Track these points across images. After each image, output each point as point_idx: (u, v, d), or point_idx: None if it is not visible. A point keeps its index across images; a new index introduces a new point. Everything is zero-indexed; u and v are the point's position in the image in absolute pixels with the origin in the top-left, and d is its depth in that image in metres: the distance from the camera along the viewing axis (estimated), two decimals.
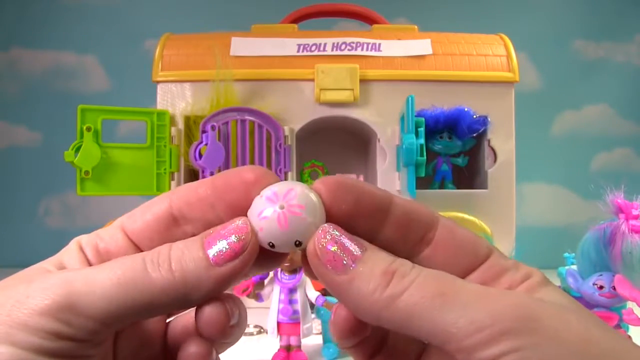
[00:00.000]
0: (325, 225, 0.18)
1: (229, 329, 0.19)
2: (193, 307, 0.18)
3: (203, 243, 0.18)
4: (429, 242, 0.19)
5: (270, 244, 0.18)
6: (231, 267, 0.17)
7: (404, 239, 0.19)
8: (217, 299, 0.18)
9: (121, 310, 0.17)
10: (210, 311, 0.18)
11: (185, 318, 0.22)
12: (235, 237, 0.18)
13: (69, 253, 0.19)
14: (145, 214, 0.19)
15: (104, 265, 0.18)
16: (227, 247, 0.17)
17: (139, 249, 0.19)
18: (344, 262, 0.17)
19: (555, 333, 0.15)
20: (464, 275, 0.18)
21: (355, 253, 0.17)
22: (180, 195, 0.19)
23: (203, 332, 0.19)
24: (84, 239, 0.20)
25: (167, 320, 0.22)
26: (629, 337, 0.38)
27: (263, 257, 0.19)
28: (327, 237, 0.18)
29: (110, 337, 0.18)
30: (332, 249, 0.17)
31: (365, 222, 0.18)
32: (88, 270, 0.18)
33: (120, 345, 0.20)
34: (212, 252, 0.17)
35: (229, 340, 0.20)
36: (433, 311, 0.16)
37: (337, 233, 0.18)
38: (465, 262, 0.19)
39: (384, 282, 0.17)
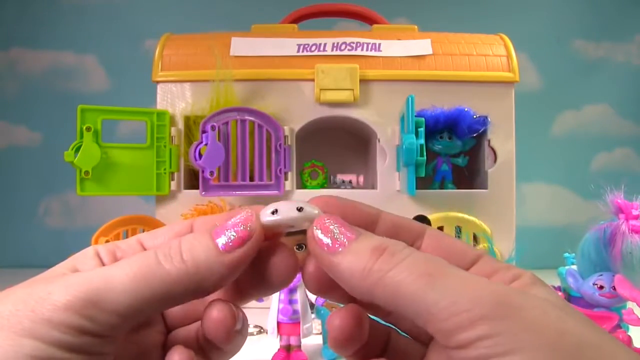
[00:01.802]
0: (324, 214, 0.19)
1: (234, 333, 0.20)
2: (206, 295, 0.19)
3: (211, 234, 0.19)
4: (417, 248, 0.20)
5: (274, 210, 0.19)
6: (240, 252, 0.19)
7: None
8: (225, 302, 0.20)
9: (139, 303, 0.18)
10: (219, 312, 0.19)
11: (185, 331, 0.23)
12: (242, 226, 0.19)
13: (84, 258, 0.20)
14: (167, 233, 0.21)
15: (118, 263, 0.19)
16: (234, 235, 0.19)
17: None
18: (339, 242, 0.18)
19: (532, 323, 0.15)
20: None
21: (349, 235, 0.18)
22: (200, 224, 0.21)
23: (209, 333, 0.20)
24: (100, 246, 0.21)
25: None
26: (629, 337, 0.38)
27: (269, 268, 0.20)
28: (325, 222, 0.19)
29: (123, 335, 0.19)
30: (328, 231, 0.19)
31: None
32: (104, 269, 0.19)
33: (121, 355, 0.20)
34: (221, 241, 0.19)
35: (231, 346, 0.21)
36: (418, 290, 0.16)
37: (333, 221, 0.19)
38: (456, 265, 0.19)
39: (373, 257, 0.17)
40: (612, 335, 0.17)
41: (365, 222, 0.20)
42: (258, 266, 0.20)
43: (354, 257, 0.18)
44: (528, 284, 0.18)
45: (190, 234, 0.20)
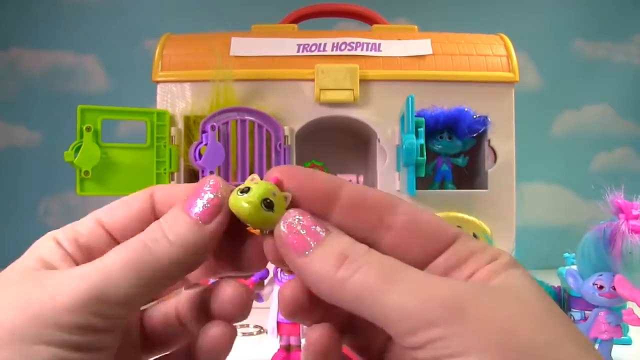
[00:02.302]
0: (291, 210, 0.19)
1: (249, 308, 0.20)
2: (198, 267, 0.20)
3: (184, 208, 0.19)
4: (389, 227, 0.19)
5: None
6: (218, 221, 0.19)
7: (357, 223, 0.19)
8: (233, 279, 0.20)
9: (139, 291, 0.18)
10: (234, 289, 0.20)
11: (163, 305, 0.23)
12: (212, 193, 0.19)
13: (47, 249, 0.20)
14: (126, 210, 0.21)
15: (110, 255, 0.19)
16: (207, 204, 0.19)
17: (118, 243, 0.19)
18: (305, 244, 0.18)
19: (481, 324, 0.16)
20: (429, 260, 0.19)
21: (316, 236, 0.18)
22: (163, 195, 0.21)
23: (224, 310, 0.20)
24: (59, 234, 0.20)
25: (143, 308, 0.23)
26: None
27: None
28: (291, 220, 0.19)
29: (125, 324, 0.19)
30: (295, 232, 0.18)
31: (312, 206, 0.19)
32: (97, 263, 0.18)
33: None
34: (196, 211, 0.19)
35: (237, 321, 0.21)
36: (374, 295, 0.17)
37: (300, 217, 0.19)
38: (430, 247, 0.19)
39: (337, 264, 0.17)
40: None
41: (325, 193, 0.19)
42: (228, 249, 0.21)
43: (319, 264, 0.18)
44: (503, 266, 0.18)
45: (166, 215, 0.19)
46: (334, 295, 0.18)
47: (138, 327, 0.22)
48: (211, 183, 0.20)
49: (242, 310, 0.20)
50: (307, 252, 0.18)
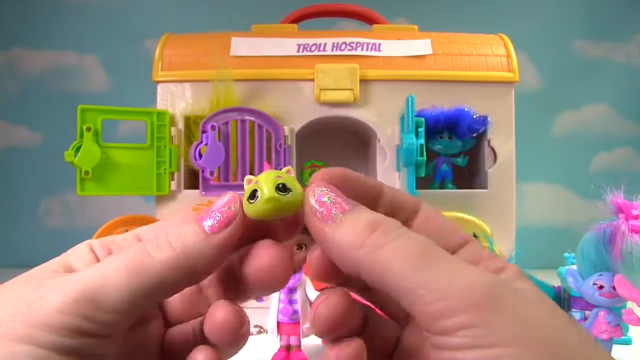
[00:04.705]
0: (320, 181, 0.20)
1: (240, 336, 0.19)
2: (200, 281, 0.19)
3: (197, 220, 0.19)
4: (409, 227, 0.20)
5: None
6: (227, 232, 0.19)
7: None
8: (229, 302, 0.19)
9: (135, 297, 0.17)
10: (226, 314, 0.19)
11: (183, 327, 0.22)
12: (226, 207, 0.19)
13: (78, 254, 0.20)
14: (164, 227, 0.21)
15: (108, 259, 0.18)
16: (219, 215, 0.19)
17: None
18: (333, 212, 0.18)
19: (522, 318, 0.15)
20: None
21: (344, 205, 0.18)
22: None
23: (213, 334, 0.19)
24: (95, 241, 0.20)
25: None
26: None
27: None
28: (321, 189, 0.19)
29: (123, 334, 0.18)
30: (324, 199, 0.19)
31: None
32: (95, 266, 0.18)
33: (118, 353, 0.20)
34: (207, 223, 0.19)
35: (233, 350, 0.20)
36: (408, 269, 0.16)
37: (328, 189, 0.19)
38: (442, 245, 0.19)
39: (366, 232, 0.17)
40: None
41: (370, 197, 0.20)
42: (254, 265, 0.19)
43: (347, 229, 0.18)
44: (511, 278, 0.18)
45: (176, 224, 0.20)
46: (358, 265, 0.17)
47: (159, 346, 0.22)
48: (226, 198, 0.20)
49: (232, 337, 0.19)
50: (335, 219, 0.18)
